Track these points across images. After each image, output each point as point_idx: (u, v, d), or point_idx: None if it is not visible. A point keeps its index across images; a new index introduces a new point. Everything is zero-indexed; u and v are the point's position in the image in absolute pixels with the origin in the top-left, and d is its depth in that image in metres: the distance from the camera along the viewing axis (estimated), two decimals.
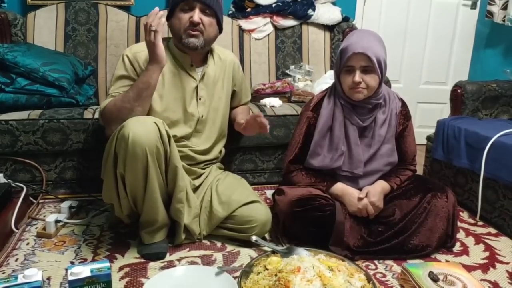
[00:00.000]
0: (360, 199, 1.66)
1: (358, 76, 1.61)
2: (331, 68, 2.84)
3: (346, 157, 1.72)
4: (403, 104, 1.81)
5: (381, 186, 1.71)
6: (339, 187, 1.71)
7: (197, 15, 1.62)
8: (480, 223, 2.01)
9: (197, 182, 1.78)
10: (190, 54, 1.72)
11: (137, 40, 2.57)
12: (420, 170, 2.44)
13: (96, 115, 2.04)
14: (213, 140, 1.84)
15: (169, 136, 1.51)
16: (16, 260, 1.55)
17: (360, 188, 1.73)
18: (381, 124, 1.72)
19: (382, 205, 1.68)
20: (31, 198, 2.00)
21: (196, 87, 1.75)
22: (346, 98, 1.70)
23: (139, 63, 1.67)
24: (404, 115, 1.80)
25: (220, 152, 1.93)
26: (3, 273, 1.47)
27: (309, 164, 1.76)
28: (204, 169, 1.83)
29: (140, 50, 1.69)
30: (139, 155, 1.44)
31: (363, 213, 1.66)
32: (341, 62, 1.65)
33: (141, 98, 1.56)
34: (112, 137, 1.50)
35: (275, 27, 2.80)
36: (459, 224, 1.86)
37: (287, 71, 2.73)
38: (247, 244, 1.68)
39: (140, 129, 1.44)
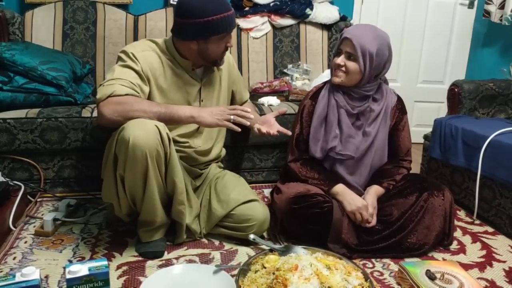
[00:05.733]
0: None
1: (340, 59, 1.69)
2: (328, 67, 2.84)
3: (339, 141, 1.74)
4: (399, 99, 1.84)
5: (376, 194, 1.72)
6: (340, 188, 1.71)
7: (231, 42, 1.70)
8: (477, 221, 2.02)
9: (198, 182, 1.80)
10: (192, 60, 1.69)
11: (135, 38, 2.56)
12: (417, 169, 2.45)
13: (95, 114, 2.03)
14: (213, 140, 1.84)
15: (169, 139, 1.50)
16: (14, 258, 1.56)
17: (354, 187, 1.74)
18: (376, 115, 1.76)
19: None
20: (29, 197, 2.00)
21: (199, 90, 1.74)
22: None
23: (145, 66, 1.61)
24: (400, 109, 1.83)
25: (221, 152, 1.93)
26: (1, 271, 1.47)
27: (311, 150, 1.78)
28: (204, 169, 1.84)
29: (143, 49, 1.64)
30: (139, 158, 1.43)
31: (363, 214, 1.64)
32: (337, 45, 1.74)
33: (161, 122, 1.51)
34: (112, 139, 1.49)
35: (273, 26, 2.80)
36: (456, 222, 1.86)
37: (285, 70, 2.73)
38: (245, 242, 1.69)
39: (141, 132, 1.42)
